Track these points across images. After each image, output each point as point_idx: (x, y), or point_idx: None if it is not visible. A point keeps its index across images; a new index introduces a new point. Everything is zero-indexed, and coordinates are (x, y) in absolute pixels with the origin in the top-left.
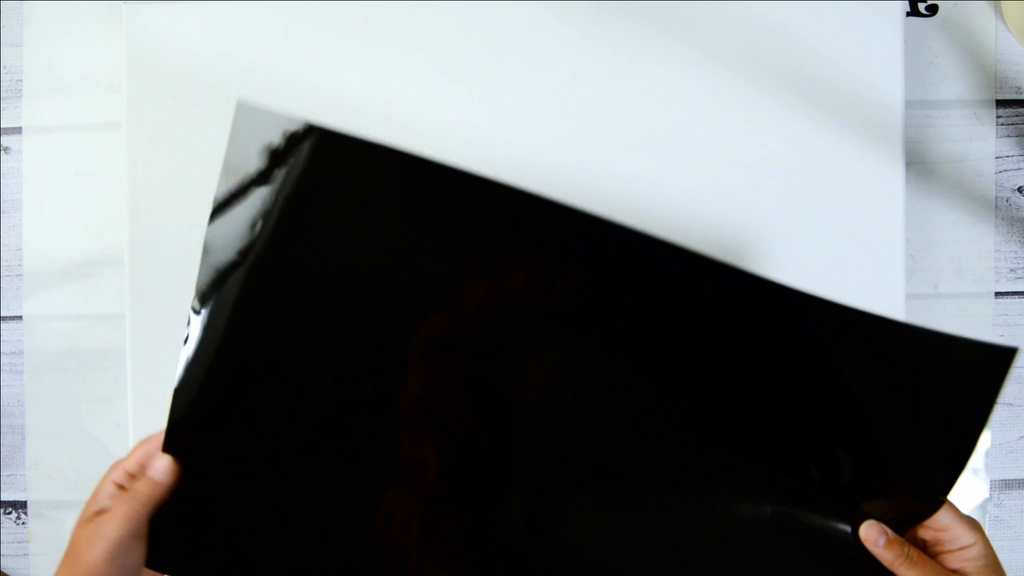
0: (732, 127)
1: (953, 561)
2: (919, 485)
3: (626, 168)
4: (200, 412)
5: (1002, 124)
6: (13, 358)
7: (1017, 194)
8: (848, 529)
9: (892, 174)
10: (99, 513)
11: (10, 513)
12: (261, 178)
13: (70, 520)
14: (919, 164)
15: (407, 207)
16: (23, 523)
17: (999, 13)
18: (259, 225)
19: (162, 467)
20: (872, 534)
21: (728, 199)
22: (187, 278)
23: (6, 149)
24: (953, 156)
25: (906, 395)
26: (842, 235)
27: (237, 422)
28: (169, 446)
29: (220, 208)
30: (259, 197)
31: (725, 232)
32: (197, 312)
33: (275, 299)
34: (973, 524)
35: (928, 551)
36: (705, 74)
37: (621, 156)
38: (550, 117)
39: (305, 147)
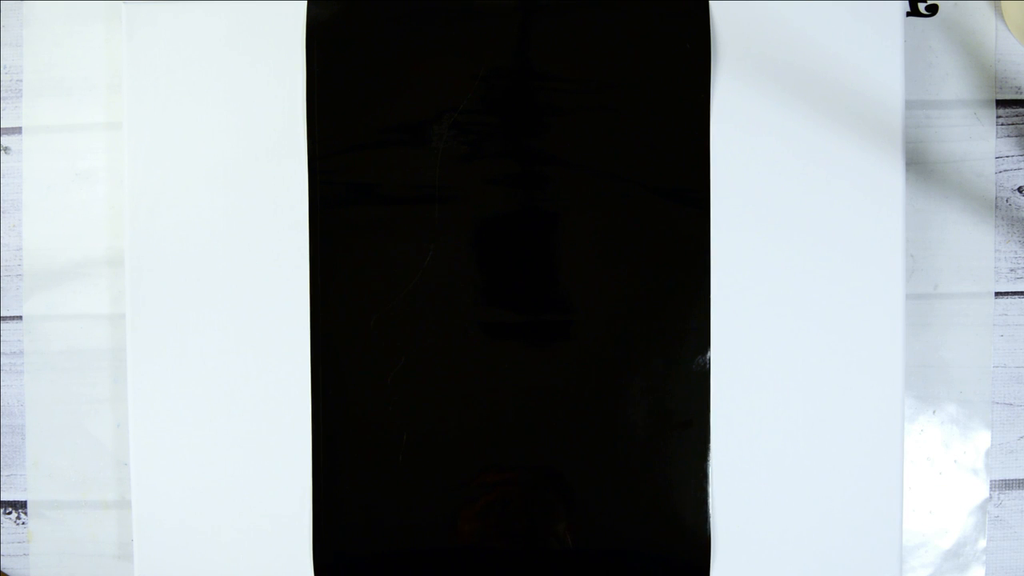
0: (731, 126)
1: None
2: None
3: None
4: None
5: (1002, 124)
6: (13, 358)
7: (1017, 194)
8: None
9: (892, 174)
10: None
11: (10, 513)
12: None
13: (70, 520)
14: (919, 164)
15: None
16: (23, 523)
17: (999, 13)
18: None
19: None
20: None
21: (726, 198)
22: (187, 278)
23: (6, 149)
24: (953, 156)
25: None
26: (842, 235)
27: None
28: None
29: None
30: None
31: (724, 231)
32: None
33: None
34: None
35: None
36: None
37: None
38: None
39: None
